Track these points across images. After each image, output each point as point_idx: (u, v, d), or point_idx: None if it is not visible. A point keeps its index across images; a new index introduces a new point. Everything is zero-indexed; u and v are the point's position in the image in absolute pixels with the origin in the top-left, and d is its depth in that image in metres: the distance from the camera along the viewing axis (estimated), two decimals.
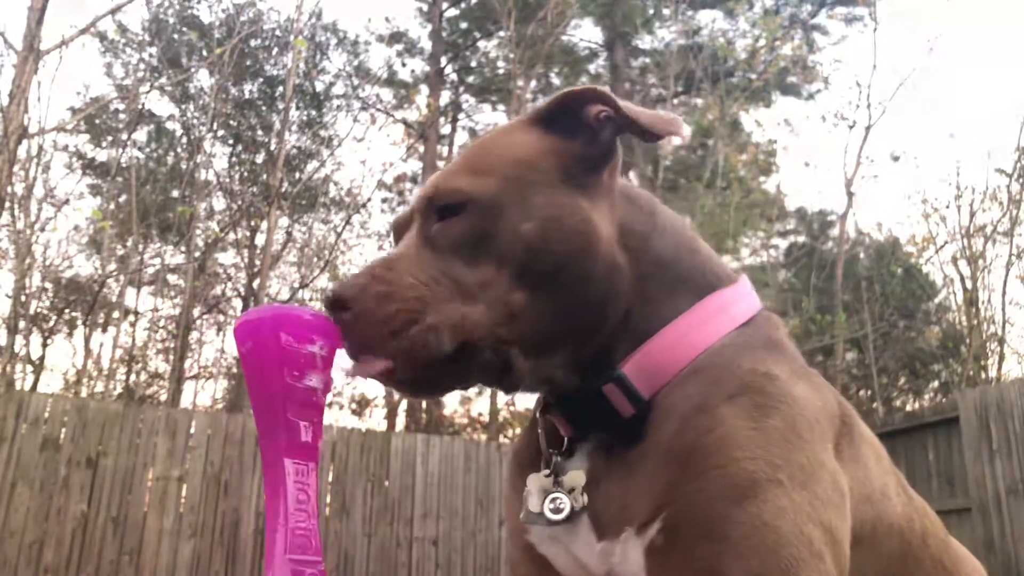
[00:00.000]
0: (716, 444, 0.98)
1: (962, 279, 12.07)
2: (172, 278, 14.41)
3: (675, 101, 14.73)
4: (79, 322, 12.92)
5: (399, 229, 1.19)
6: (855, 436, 1.17)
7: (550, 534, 1.10)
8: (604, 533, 1.03)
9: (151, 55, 14.06)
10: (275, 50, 15.14)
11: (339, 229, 14.19)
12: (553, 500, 1.07)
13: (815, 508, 0.97)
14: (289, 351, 0.94)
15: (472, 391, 17.37)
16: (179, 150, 14.69)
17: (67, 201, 12.89)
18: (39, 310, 12.82)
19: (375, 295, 1.01)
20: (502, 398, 14.37)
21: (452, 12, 17.42)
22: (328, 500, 6.83)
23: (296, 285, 13.98)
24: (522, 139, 1.15)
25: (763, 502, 0.94)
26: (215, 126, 12.87)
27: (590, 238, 1.08)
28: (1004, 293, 11.55)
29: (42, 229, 11.21)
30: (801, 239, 17.03)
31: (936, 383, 14.67)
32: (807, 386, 1.09)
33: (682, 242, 1.19)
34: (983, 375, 11.26)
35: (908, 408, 13.81)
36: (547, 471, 1.11)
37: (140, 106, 12.38)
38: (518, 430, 16.96)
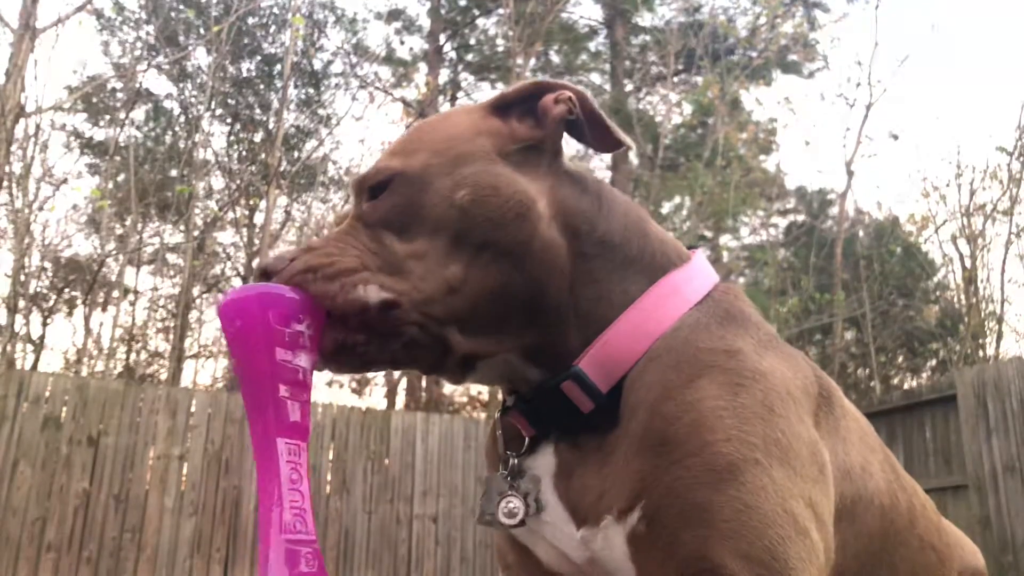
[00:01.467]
0: (688, 430, 0.97)
1: (961, 258, 12.09)
2: (171, 257, 14.42)
3: (675, 79, 14.67)
4: (79, 301, 12.94)
5: (341, 217, 1.19)
6: (834, 409, 1.16)
7: (528, 528, 1.08)
8: (583, 521, 1.02)
9: (148, 33, 13.99)
10: (273, 28, 15.06)
11: (338, 208, 14.18)
12: (507, 504, 1.06)
13: (796, 484, 0.96)
14: (276, 329, 0.93)
15: None
16: (177, 129, 14.65)
17: (65, 180, 12.89)
18: (39, 289, 12.84)
19: (306, 260, 1.01)
20: None
21: None
22: (329, 478, 6.87)
23: None
24: (460, 119, 1.16)
25: (742, 484, 0.93)
26: (213, 105, 12.82)
27: (527, 208, 1.07)
28: (1003, 272, 11.57)
29: (41, 208, 11.21)
30: (801, 218, 17.01)
31: (934, 361, 14.72)
32: (776, 357, 1.07)
33: (630, 224, 1.17)
34: (981, 353, 11.29)
35: (906, 386, 13.87)
36: (504, 472, 1.10)
37: (138, 85, 12.34)
38: None
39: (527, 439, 1.11)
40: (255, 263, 13.11)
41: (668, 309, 1.09)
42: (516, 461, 1.10)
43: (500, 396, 1.20)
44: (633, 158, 14.51)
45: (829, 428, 1.12)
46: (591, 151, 1.27)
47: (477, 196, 1.05)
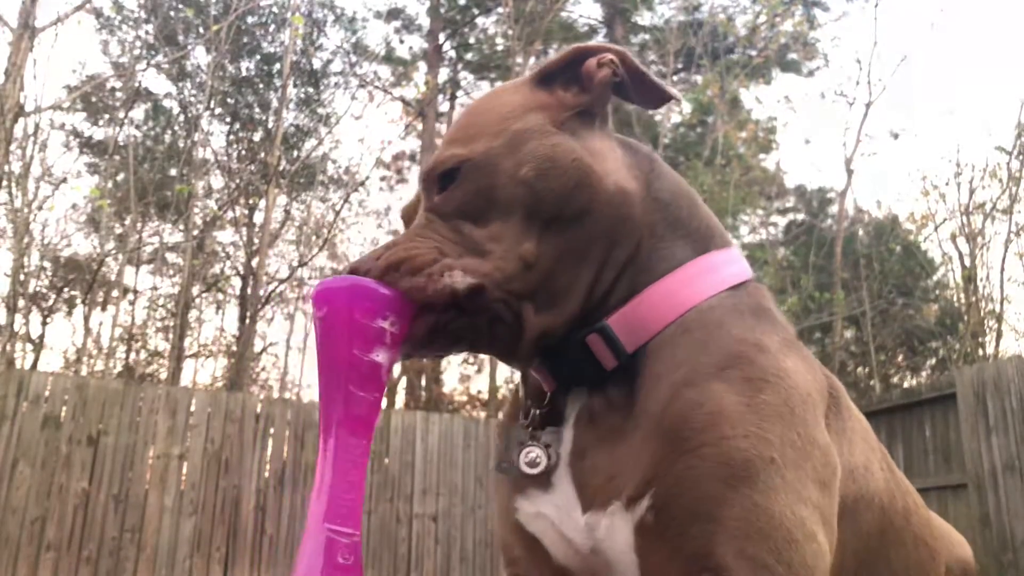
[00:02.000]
0: (707, 420, 0.97)
1: (960, 256, 12.08)
2: (171, 256, 14.41)
3: (675, 78, 14.66)
4: (78, 301, 12.94)
5: (408, 216, 1.21)
6: (842, 410, 1.17)
7: (536, 512, 1.08)
8: (589, 504, 1.02)
9: (147, 32, 13.98)
10: (272, 27, 15.04)
11: (337, 207, 14.18)
12: (528, 453, 1.07)
13: (807, 487, 0.96)
14: (360, 323, 0.95)
15: (471, 368, 17.35)
16: (176, 128, 14.64)
17: (65, 179, 12.87)
18: (38, 289, 12.83)
19: (390, 256, 1.03)
20: (501, 375, 14.43)
21: None
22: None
23: (295, 263, 13.96)
24: (509, 98, 1.17)
25: (755, 482, 0.93)
26: (212, 104, 12.82)
27: (587, 173, 1.08)
28: (1002, 270, 11.56)
29: (40, 208, 11.19)
30: (800, 217, 17.01)
31: (934, 360, 14.72)
32: (797, 359, 1.08)
33: (679, 188, 1.20)
34: (980, 352, 11.29)
35: (905, 385, 13.87)
36: (525, 422, 1.11)
37: (137, 84, 12.32)
38: None
39: (548, 394, 1.12)
40: (255, 262, 13.13)
41: (705, 284, 1.10)
42: (537, 412, 1.11)
43: (512, 373, 1.22)
44: None
45: (837, 429, 1.13)
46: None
47: (539, 170, 1.07)
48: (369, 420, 0.95)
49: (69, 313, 13.52)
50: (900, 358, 15.27)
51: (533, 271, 1.05)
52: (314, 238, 13.93)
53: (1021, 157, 11.48)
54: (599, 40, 17.15)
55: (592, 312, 1.08)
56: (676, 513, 0.94)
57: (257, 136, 15.02)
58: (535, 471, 1.06)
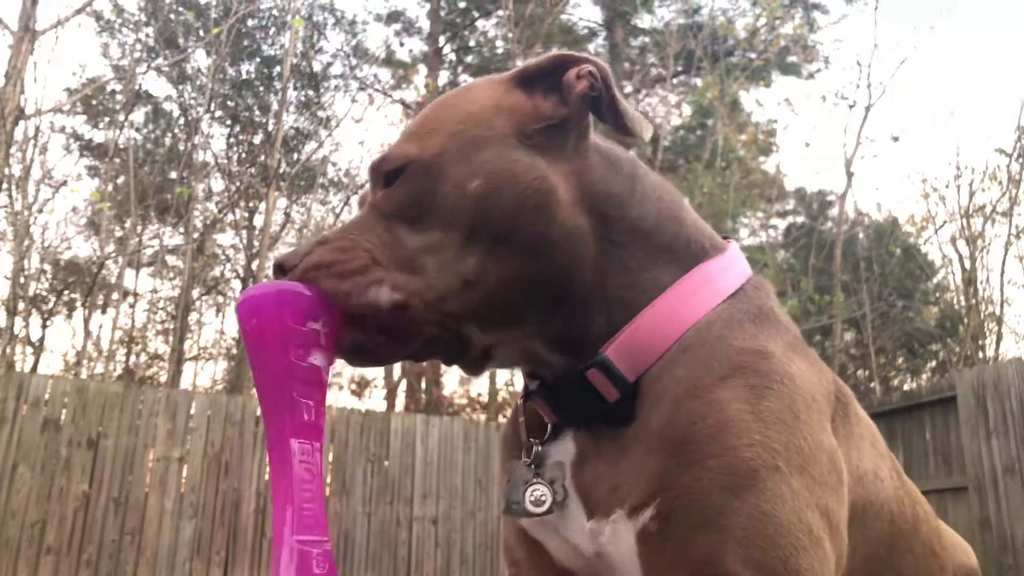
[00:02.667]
0: (712, 432, 0.95)
1: (960, 259, 12.10)
2: (171, 259, 14.42)
3: (675, 81, 14.67)
4: (78, 304, 12.94)
5: (361, 202, 1.16)
6: (850, 415, 1.15)
7: (539, 520, 1.07)
8: (593, 512, 1.01)
9: (148, 35, 14.00)
10: (272, 30, 15.06)
11: (337, 210, 14.19)
12: (534, 492, 1.04)
13: (813, 493, 0.95)
14: (292, 329, 0.93)
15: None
16: (177, 131, 14.65)
17: (65, 182, 12.88)
18: (38, 292, 12.83)
19: (319, 254, 0.99)
20: (501, 378, 14.43)
21: None
22: (328, 480, 6.86)
23: None
24: (479, 95, 1.10)
25: (761, 491, 0.91)
26: (212, 107, 12.82)
27: (546, 197, 1.01)
28: (1002, 273, 11.58)
29: (40, 210, 11.20)
30: (800, 219, 17.01)
31: (934, 363, 14.72)
32: (803, 362, 1.05)
33: (663, 210, 1.12)
34: (980, 355, 11.29)
35: (906, 388, 13.86)
36: (527, 460, 1.08)
37: (137, 87, 12.33)
38: None
39: (549, 426, 1.09)
40: (255, 265, 13.14)
41: (701, 299, 1.06)
42: (539, 448, 1.08)
43: (520, 381, 1.17)
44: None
45: (844, 434, 1.11)
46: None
47: (492, 186, 1.00)
48: (318, 424, 0.94)
49: (69, 316, 13.53)
50: (900, 361, 15.27)
51: (475, 290, 0.99)
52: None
53: (1021, 160, 11.49)
54: (599, 43, 17.19)
55: (570, 336, 1.05)
56: (681, 522, 0.93)
57: (257, 139, 15.03)
58: (541, 510, 1.04)
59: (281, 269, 1.00)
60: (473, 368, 1.08)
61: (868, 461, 1.16)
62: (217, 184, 14.51)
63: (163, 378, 13.68)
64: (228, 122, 15.07)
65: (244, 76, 15.15)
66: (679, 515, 0.93)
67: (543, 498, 1.04)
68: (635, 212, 1.09)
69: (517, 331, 1.04)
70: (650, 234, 1.09)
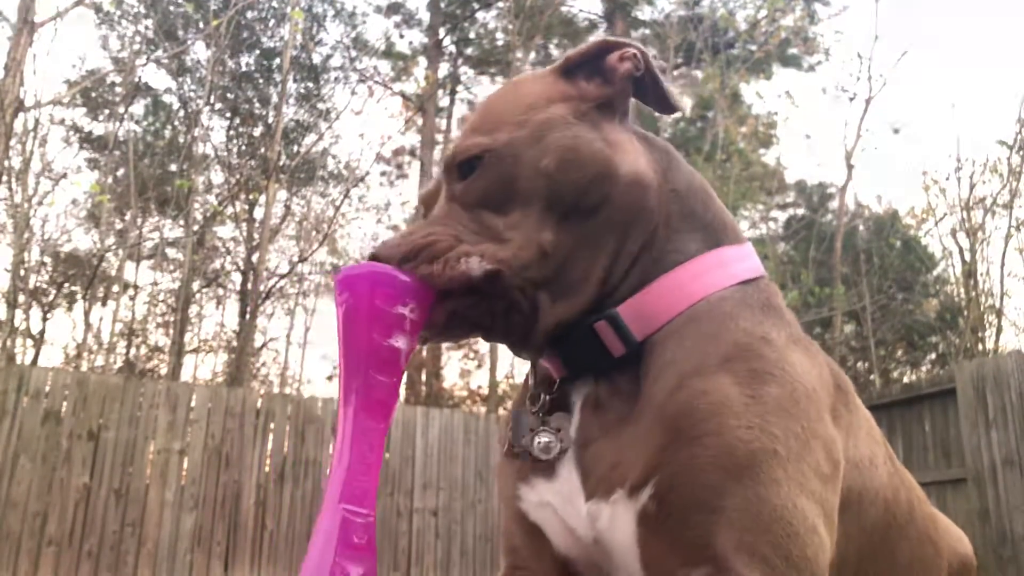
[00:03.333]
0: (711, 410, 0.97)
1: (961, 251, 12.08)
2: (171, 252, 14.43)
3: (675, 73, 14.64)
4: (78, 296, 12.94)
5: (427, 202, 1.21)
6: (849, 405, 1.17)
7: (539, 500, 1.09)
8: (592, 492, 1.02)
9: (147, 27, 13.97)
10: (272, 22, 15.03)
11: (337, 202, 14.18)
12: (541, 438, 1.08)
13: (809, 480, 0.96)
14: (380, 310, 0.97)
15: (472, 364, 17.34)
16: (176, 123, 14.64)
17: (65, 175, 12.84)
18: (38, 284, 12.83)
19: (410, 243, 1.04)
20: (501, 371, 14.44)
21: None
22: (329, 472, 6.87)
23: (295, 259, 13.97)
24: (532, 88, 1.18)
25: (758, 474, 0.93)
26: (212, 99, 12.82)
27: (607, 162, 1.10)
28: (1002, 265, 11.56)
29: (40, 203, 11.18)
30: (800, 212, 17.01)
31: (933, 355, 14.72)
32: (803, 353, 1.08)
33: (694, 183, 1.20)
34: (980, 347, 11.29)
35: (905, 380, 13.87)
36: (535, 408, 1.11)
37: (137, 79, 12.32)
38: None
39: (557, 381, 1.13)
40: (255, 257, 13.14)
41: (716, 277, 1.11)
42: (547, 398, 1.12)
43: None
44: None
45: (845, 423, 1.13)
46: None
47: (561, 161, 1.08)
48: (388, 404, 0.97)
49: (69, 309, 13.52)
50: (900, 353, 15.28)
51: (550, 260, 1.06)
52: (314, 233, 13.94)
53: (1022, 152, 11.48)
54: (599, 35, 17.14)
55: (603, 300, 1.09)
56: (678, 502, 0.94)
57: (257, 131, 15.02)
58: (548, 456, 1.07)
59: (376, 260, 1.04)
60: (530, 341, 1.10)
61: (864, 448, 1.17)
62: (217, 176, 14.51)
63: (163, 371, 13.70)
64: (228, 114, 15.05)
65: (244, 68, 15.13)
66: (676, 494, 0.95)
67: (550, 446, 1.07)
68: (672, 178, 1.17)
69: (581, 300, 1.08)
70: (683, 198, 1.17)
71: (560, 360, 1.12)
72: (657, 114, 1.27)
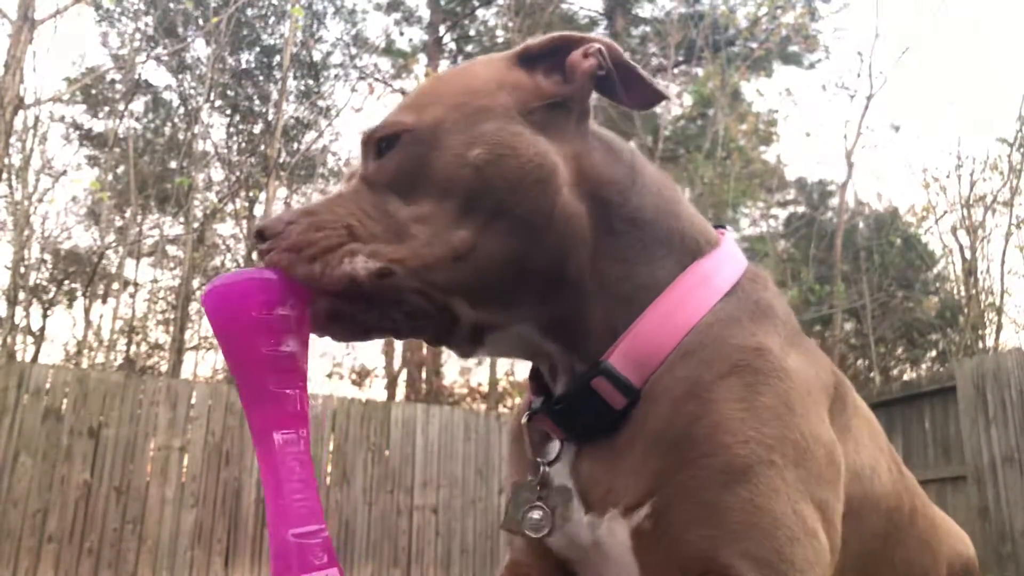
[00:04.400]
0: (707, 432, 0.95)
1: (961, 249, 12.10)
2: (171, 249, 14.41)
3: (676, 70, 14.63)
4: (79, 293, 12.94)
5: (351, 175, 1.11)
6: (848, 407, 1.16)
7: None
8: (590, 508, 1.02)
9: (147, 24, 13.94)
10: (272, 19, 15.01)
11: None
12: (533, 514, 1.05)
13: (809, 486, 0.95)
14: (260, 319, 0.89)
15: (472, 361, 17.39)
16: (176, 120, 14.62)
17: (65, 172, 12.86)
18: (38, 281, 12.83)
19: (298, 226, 0.95)
20: (502, 368, 14.44)
21: None
22: (329, 469, 6.88)
23: None
24: (481, 71, 1.08)
25: (756, 485, 0.92)
26: (212, 96, 12.80)
27: (547, 174, 0.99)
28: (1003, 263, 11.58)
29: (40, 200, 11.19)
30: (801, 209, 16.99)
31: (934, 353, 14.73)
32: (799, 355, 1.06)
33: (662, 203, 1.10)
34: (980, 345, 11.30)
35: (905, 377, 13.88)
36: (533, 480, 1.07)
37: (136, 76, 12.31)
38: (517, 400, 17.02)
39: (557, 444, 1.07)
40: (255, 255, 13.11)
41: (698, 300, 1.04)
42: (546, 469, 1.07)
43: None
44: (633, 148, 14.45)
45: (841, 426, 1.11)
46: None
47: (493, 155, 0.97)
48: (302, 413, 0.90)
49: (70, 306, 13.52)
50: (900, 351, 15.28)
51: (465, 264, 0.96)
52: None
53: (1022, 149, 11.47)
54: (600, 32, 17.15)
55: (565, 324, 1.03)
56: (675, 518, 0.94)
57: (257, 128, 15.01)
58: (538, 535, 1.04)
59: (261, 236, 0.97)
60: (463, 349, 1.04)
61: (867, 456, 1.16)
62: (217, 174, 14.50)
63: (164, 368, 13.70)
64: (228, 111, 15.04)
65: (244, 65, 15.11)
66: (674, 512, 0.94)
67: (542, 524, 1.04)
68: (635, 202, 1.07)
69: (508, 312, 1.01)
70: (649, 226, 1.07)
71: (556, 425, 1.06)
72: (657, 110, 1.21)
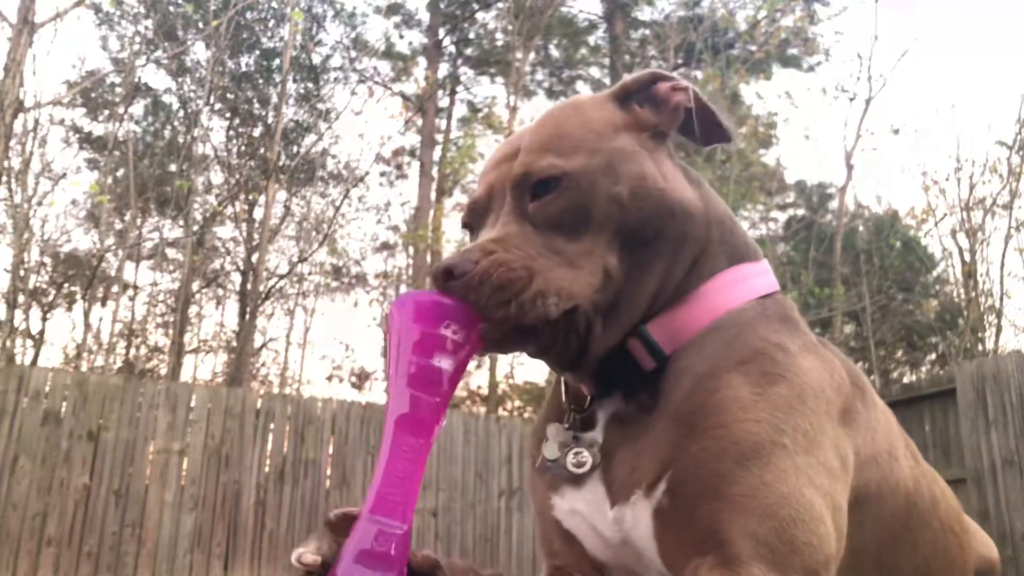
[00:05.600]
0: (721, 404, 1.02)
1: (960, 252, 12.08)
2: (171, 252, 14.42)
3: (675, 73, 14.62)
4: (78, 296, 12.93)
5: (477, 209, 1.21)
6: (867, 401, 1.21)
7: (570, 509, 1.14)
8: (616, 498, 1.07)
9: (147, 28, 13.96)
10: (272, 22, 15.04)
11: (337, 203, 14.19)
12: (576, 454, 1.12)
13: (817, 473, 0.99)
14: (422, 332, 1.01)
15: (471, 364, 17.44)
16: (176, 124, 14.63)
17: (64, 175, 12.84)
18: (38, 285, 12.83)
19: (485, 264, 1.04)
20: (500, 372, 14.43)
21: None
22: (328, 472, 6.88)
23: (295, 259, 13.96)
24: (597, 114, 1.20)
25: (765, 463, 0.96)
26: (212, 99, 12.81)
27: (665, 195, 1.14)
28: (1002, 266, 11.56)
29: (40, 203, 11.18)
30: (800, 212, 17.01)
31: (933, 355, 14.73)
32: (815, 359, 1.13)
33: (726, 211, 1.26)
34: (980, 347, 11.30)
35: (905, 380, 13.87)
36: (567, 425, 1.16)
37: (136, 79, 12.32)
38: (516, 402, 17.02)
39: (588, 398, 1.17)
40: (255, 258, 13.14)
41: (737, 292, 1.17)
42: (579, 416, 1.16)
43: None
44: None
45: (861, 419, 1.17)
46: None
47: (632, 190, 1.12)
48: (429, 422, 1.00)
49: (69, 309, 13.51)
50: (900, 353, 15.28)
51: (612, 284, 1.09)
52: (314, 233, 13.94)
53: (1022, 152, 11.48)
54: (599, 36, 17.13)
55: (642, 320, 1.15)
56: (688, 493, 0.98)
57: (257, 131, 15.02)
58: (581, 471, 1.11)
59: (450, 275, 1.04)
60: (586, 371, 1.14)
61: (883, 441, 1.21)
62: (217, 177, 14.52)
63: (163, 371, 13.70)
64: (228, 115, 15.05)
65: (243, 69, 15.13)
66: (686, 485, 0.99)
67: (584, 461, 1.11)
68: (713, 213, 1.22)
69: (626, 322, 1.13)
70: (720, 224, 1.22)
71: (592, 378, 1.15)
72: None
